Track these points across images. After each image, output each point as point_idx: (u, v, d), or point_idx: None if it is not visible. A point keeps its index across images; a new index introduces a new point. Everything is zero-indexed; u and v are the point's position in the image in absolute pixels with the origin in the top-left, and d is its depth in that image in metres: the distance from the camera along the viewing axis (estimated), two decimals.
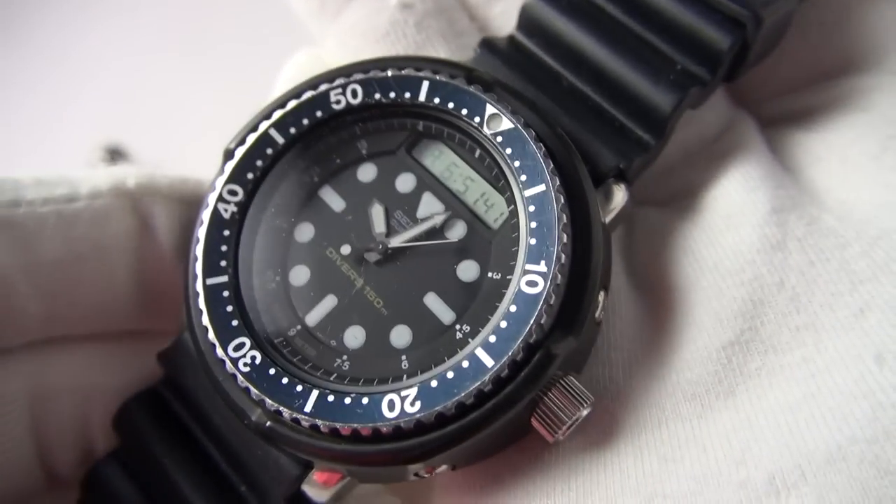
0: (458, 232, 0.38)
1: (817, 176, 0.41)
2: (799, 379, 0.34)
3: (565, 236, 0.34)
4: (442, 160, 0.40)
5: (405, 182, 0.40)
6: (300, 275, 0.39)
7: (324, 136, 0.40)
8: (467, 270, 0.37)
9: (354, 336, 0.37)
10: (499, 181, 0.38)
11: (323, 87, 0.40)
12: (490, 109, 0.38)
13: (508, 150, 0.37)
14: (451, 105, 0.38)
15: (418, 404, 0.33)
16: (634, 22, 0.40)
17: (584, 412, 0.34)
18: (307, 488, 0.37)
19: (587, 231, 0.35)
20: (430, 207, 0.39)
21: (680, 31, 0.39)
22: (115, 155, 1.00)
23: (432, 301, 0.37)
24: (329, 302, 0.38)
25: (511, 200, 0.37)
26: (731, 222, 0.39)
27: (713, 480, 0.32)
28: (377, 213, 0.39)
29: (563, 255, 0.34)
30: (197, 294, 0.37)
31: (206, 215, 0.38)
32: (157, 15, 1.15)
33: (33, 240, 0.38)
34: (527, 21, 0.42)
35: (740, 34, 0.38)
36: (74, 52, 1.15)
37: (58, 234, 0.39)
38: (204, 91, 1.04)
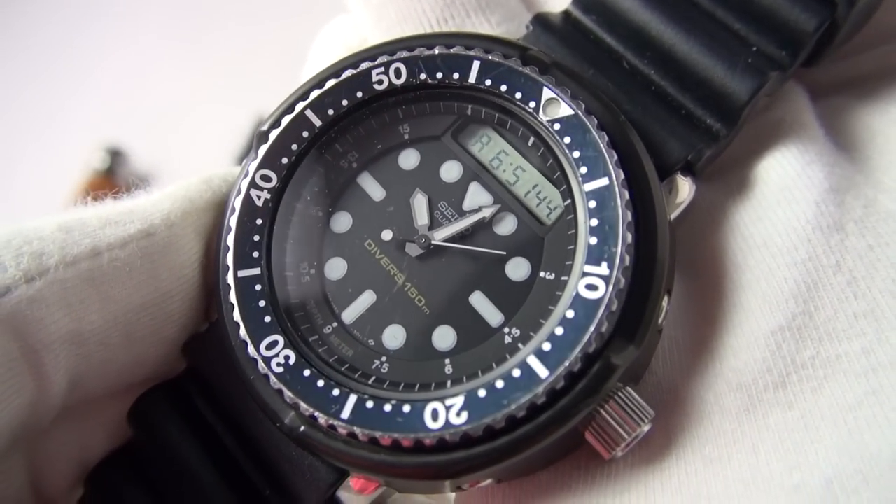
0: (507, 227, 0.35)
1: (873, 153, 0.38)
2: (858, 372, 0.31)
3: (629, 236, 0.31)
4: (491, 147, 0.37)
5: (450, 170, 0.37)
6: (336, 268, 0.37)
7: (364, 119, 0.38)
8: (517, 269, 0.34)
9: (394, 336, 0.35)
10: (554, 172, 0.35)
11: (364, 66, 0.37)
12: (547, 93, 0.34)
13: (567, 139, 0.34)
14: (503, 88, 0.35)
15: (465, 415, 0.30)
16: None
17: (645, 428, 0.31)
18: (342, 494, 0.35)
19: (652, 230, 0.32)
20: (478, 199, 0.36)
21: (759, 8, 0.35)
22: (114, 155, 1.00)
23: (479, 301, 0.34)
24: (367, 298, 0.36)
25: (567, 194, 0.34)
26: (785, 196, 0.36)
27: (763, 485, 0.30)
28: (420, 203, 0.37)
29: (627, 257, 0.31)
30: (228, 287, 0.35)
31: (238, 202, 0.36)
32: (157, 16, 1.13)
33: (122, 289, 0.34)
34: None
35: (828, 14, 0.34)
36: (75, 53, 1.14)
37: (145, 277, 0.35)
38: (202, 91, 1.02)
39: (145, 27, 1.12)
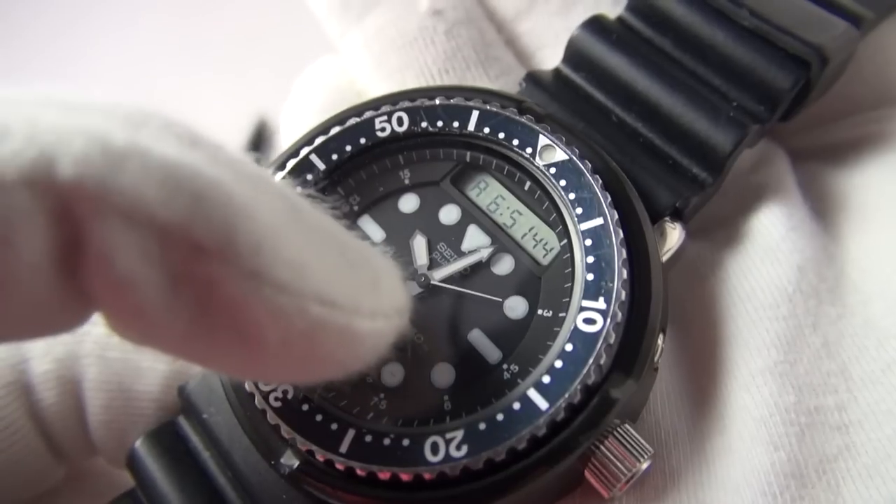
0: (505, 267, 0.36)
1: (842, 219, 0.40)
2: (833, 426, 0.33)
3: (625, 272, 0.32)
4: (488, 192, 0.38)
5: (449, 214, 0.38)
6: None
7: (366, 164, 0.39)
8: (515, 307, 0.35)
9: (392, 373, 0.35)
10: (550, 215, 0.37)
11: (368, 114, 0.38)
12: (543, 140, 0.36)
13: (562, 182, 0.35)
14: (501, 135, 0.37)
15: (465, 448, 0.30)
16: (687, 57, 0.39)
17: (644, 465, 0.31)
18: None
19: (646, 268, 0.33)
20: (476, 240, 0.37)
21: (738, 68, 0.38)
22: None
23: (477, 338, 0.35)
24: None
25: (563, 235, 0.36)
26: (769, 256, 0.38)
27: None
28: (419, 244, 0.37)
29: (623, 292, 0.32)
30: None
31: None
32: (158, 17, 1.15)
33: None
34: (573, 54, 0.41)
35: (804, 74, 0.37)
36: (75, 55, 1.14)
37: None
38: (201, 90, 1.03)
39: (147, 28, 1.13)
